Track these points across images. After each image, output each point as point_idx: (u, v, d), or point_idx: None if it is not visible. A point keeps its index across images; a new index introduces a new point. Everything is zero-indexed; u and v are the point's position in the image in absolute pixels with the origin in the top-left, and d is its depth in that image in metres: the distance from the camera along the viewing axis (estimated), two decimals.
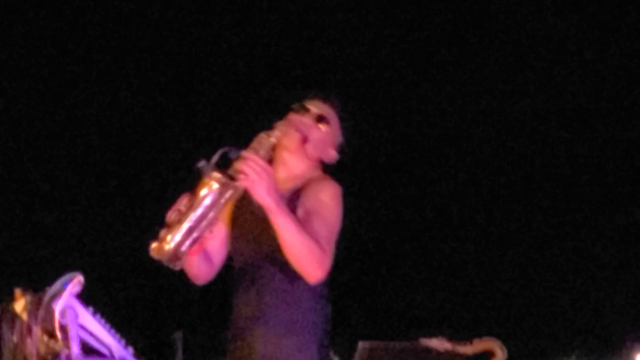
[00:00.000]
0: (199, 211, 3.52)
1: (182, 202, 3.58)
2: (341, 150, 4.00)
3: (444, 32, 6.18)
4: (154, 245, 3.50)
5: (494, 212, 6.12)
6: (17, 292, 3.51)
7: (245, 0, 6.28)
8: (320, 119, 3.89)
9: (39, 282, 3.52)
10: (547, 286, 6.04)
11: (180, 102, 6.40)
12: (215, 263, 3.79)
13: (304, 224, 3.70)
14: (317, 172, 3.93)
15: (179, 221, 3.53)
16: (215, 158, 3.65)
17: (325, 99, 3.96)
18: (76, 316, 3.46)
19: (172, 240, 3.51)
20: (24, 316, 3.46)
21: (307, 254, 3.62)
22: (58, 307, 3.42)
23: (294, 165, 3.88)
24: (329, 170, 4.01)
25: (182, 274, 4.69)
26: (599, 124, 6.10)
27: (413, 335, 4.16)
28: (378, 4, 6.19)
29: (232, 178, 3.49)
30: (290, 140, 3.78)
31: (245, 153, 3.55)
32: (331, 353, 3.93)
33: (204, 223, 3.53)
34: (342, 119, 3.97)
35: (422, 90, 6.22)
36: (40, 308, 3.41)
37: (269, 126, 3.98)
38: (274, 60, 6.22)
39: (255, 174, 3.49)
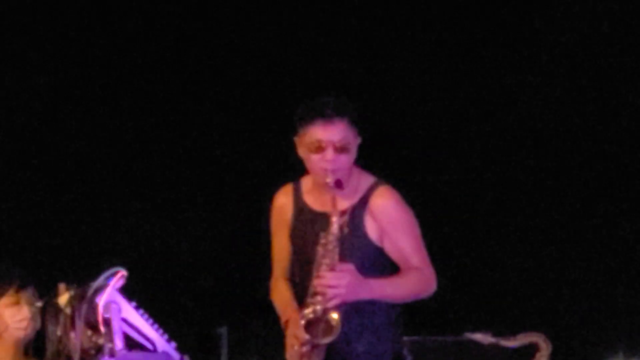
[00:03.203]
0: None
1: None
2: (361, 129, 3.96)
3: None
4: None
5: (537, 206, 6.07)
6: (61, 286, 3.55)
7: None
8: (339, 148, 3.83)
9: (83, 277, 3.55)
10: (594, 281, 5.97)
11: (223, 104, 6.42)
12: None
13: (392, 247, 3.75)
14: (363, 176, 3.92)
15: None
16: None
17: (328, 117, 3.85)
18: (119, 310, 3.48)
19: None
20: (68, 310, 3.49)
21: (419, 289, 3.79)
22: (101, 301, 3.44)
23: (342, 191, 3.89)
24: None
25: (226, 268, 4.70)
26: None
27: (457, 329, 4.14)
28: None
29: (335, 321, 3.61)
30: (324, 178, 3.77)
31: (318, 277, 3.60)
32: (405, 350, 3.97)
33: None
34: (350, 116, 3.90)
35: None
36: (84, 302, 3.43)
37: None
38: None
39: (341, 289, 3.58)
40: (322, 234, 3.71)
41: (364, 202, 3.86)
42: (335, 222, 3.71)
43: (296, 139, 3.86)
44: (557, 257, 6.00)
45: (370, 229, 3.82)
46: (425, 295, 3.80)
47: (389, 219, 3.82)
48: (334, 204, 3.73)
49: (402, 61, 6.14)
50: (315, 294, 3.65)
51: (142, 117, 6.29)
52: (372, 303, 3.77)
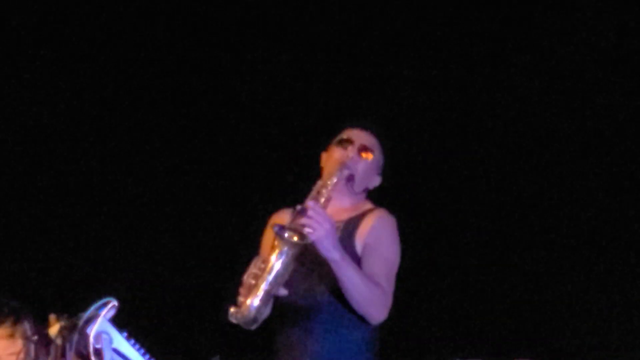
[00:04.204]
0: (274, 274, 3.60)
1: (256, 265, 3.63)
2: (384, 173, 4.04)
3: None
4: (232, 310, 3.60)
5: (532, 235, 6.06)
6: (52, 317, 3.53)
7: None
8: (364, 149, 3.94)
9: (73, 307, 3.54)
10: (590, 308, 5.96)
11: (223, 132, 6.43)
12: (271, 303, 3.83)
13: (364, 262, 3.75)
14: (367, 203, 3.96)
15: (256, 285, 3.61)
16: (287, 222, 3.72)
17: (365, 127, 4.00)
18: (110, 341, 3.46)
19: (251, 305, 3.60)
20: (59, 341, 3.47)
21: (371, 301, 3.69)
22: (92, 332, 3.43)
23: (343, 200, 3.91)
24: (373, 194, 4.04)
25: (219, 297, 4.69)
26: None
27: (448, 356, 4.14)
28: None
29: (302, 236, 3.55)
30: (338, 179, 3.81)
31: (309, 206, 3.60)
32: None
33: (278, 283, 3.60)
34: (383, 144, 4.01)
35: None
36: (75, 333, 3.42)
37: (313, 156, 4.04)
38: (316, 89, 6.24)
39: (321, 229, 3.55)
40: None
41: (360, 217, 3.89)
42: (337, 175, 3.74)
43: (323, 154, 3.96)
44: (549, 284, 5.99)
45: (358, 241, 3.84)
46: (372, 313, 3.73)
47: (377, 235, 3.84)
48: (340, 165, 3.78)
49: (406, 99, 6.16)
50: (303, 212, 3.62)
51: (131, 150, 6.30)
52: (347, 332, 3.77)
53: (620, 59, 5.92)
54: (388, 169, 4.06)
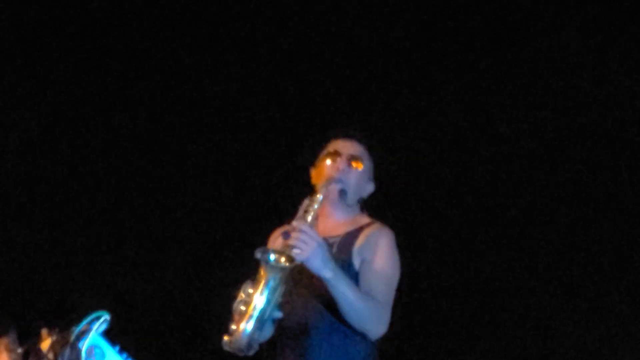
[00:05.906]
0: (264, 299, 3.55)
1: (245, 291, 3.59)
2: (376, 178, 4.01)
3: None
4: (226, 339, 3.55)
5: (530, 243, 6.07)
6: (44, 331, 3.52)
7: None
8: (353, 159, 3.91)
9: (65, 322, 3.52)
10: (593, 317, 5.96)
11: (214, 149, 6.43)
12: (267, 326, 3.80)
13: (362, 277, 3.72)
14: (364, 216, 3.94)
15: (246, 312, 3.55)
16: (272, 244, 3.69)
17: (349, 136, 3.98)
18: (103, 355, 3.45)
19: (243, 332, 3.55)
20: (51, 356, 3.46)
21: (368, 316, 3.66)
22: (84, 346, 3.42)
23: (338, 214, 3.89)
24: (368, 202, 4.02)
25: (212, 313, 4.68)
26: None
27: None
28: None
29: (289, 259, 3.50)
30: (329, 193, 3.78)
31: (295, 225, 3.56)
32: None
33: (270, 308, 3.55)
34: (370, 149, 3.99)
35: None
36: (67, 347, 3.40)
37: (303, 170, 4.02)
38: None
39: (309, 248, 3.50)
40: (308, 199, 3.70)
41: (357, 231, 3.87)
42: (322, 192, 3.70)
43: (312, 169, 3.93)
44: (557, 292, 5.99)
45: (355, 256, 3.82)
46: (369, 328, 3.70)
47: (373, 249, 3.81)
48: (326, 180, 3.76)
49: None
50: (289, 234, 3.58)
51: (122, 164, 6.31)
52: (346, 348, 3.75)
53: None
54: (379, 173, 4.03)
